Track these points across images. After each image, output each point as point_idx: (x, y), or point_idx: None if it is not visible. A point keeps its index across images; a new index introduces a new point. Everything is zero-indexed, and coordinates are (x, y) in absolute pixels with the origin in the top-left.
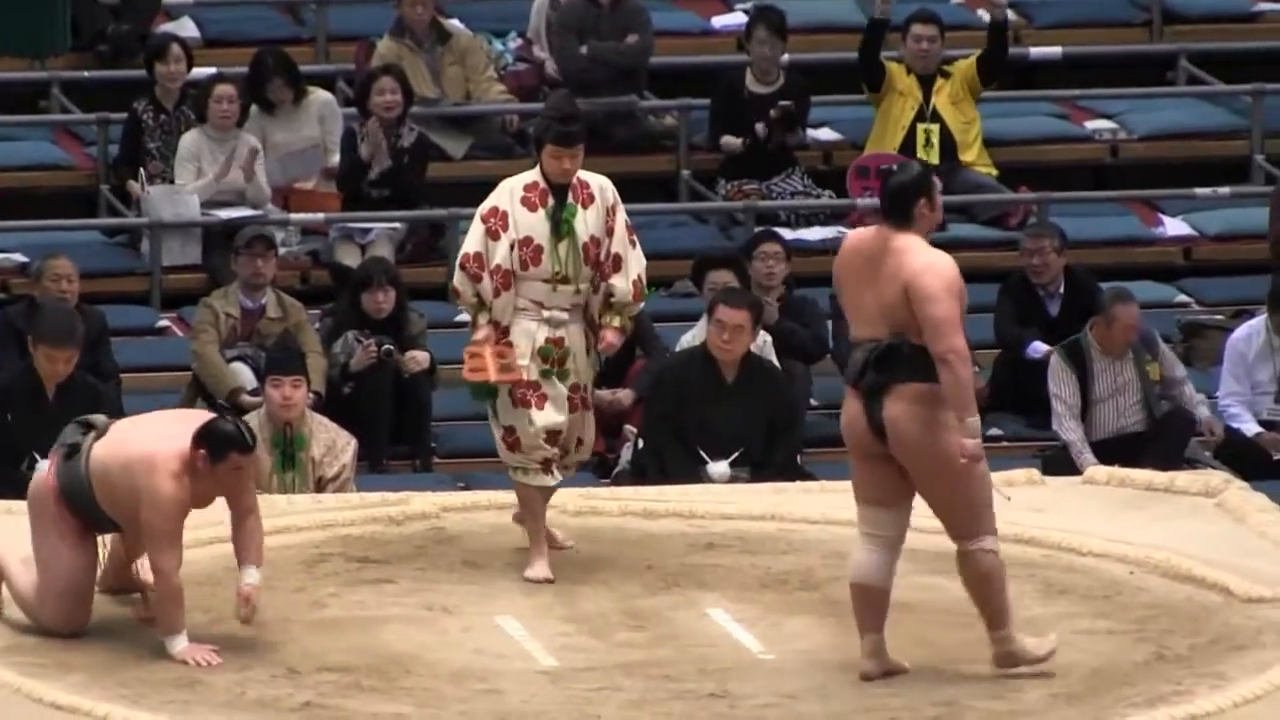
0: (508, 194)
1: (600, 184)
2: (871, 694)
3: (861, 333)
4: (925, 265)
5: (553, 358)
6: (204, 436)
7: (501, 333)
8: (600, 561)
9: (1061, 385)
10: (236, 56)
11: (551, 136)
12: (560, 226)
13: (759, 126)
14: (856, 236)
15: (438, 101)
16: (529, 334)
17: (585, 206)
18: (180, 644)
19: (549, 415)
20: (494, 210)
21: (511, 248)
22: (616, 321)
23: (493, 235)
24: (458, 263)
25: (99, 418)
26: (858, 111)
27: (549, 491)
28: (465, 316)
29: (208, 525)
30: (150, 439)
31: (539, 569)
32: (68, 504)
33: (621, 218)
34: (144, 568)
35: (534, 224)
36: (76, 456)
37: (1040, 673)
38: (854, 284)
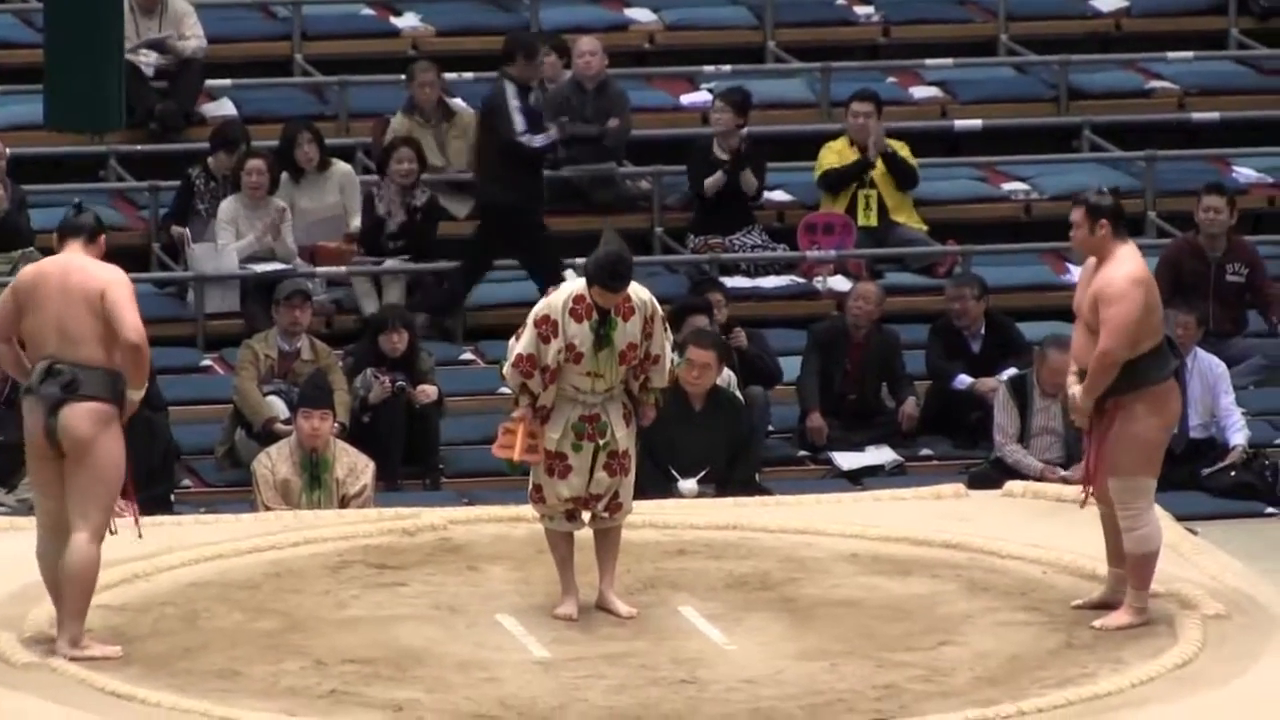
0: (559, 304)
1: (642, 299)
2: (820, 679)
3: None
4: None
5: (587, 432)
6: (78, 231)
7: (544, 417)
8: (586, 566)
9: (1004, 415)
10: (269, 132)
11: (600, 284)
12: (602, 340)
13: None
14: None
15: (444, 169)
16: (565, 411)
17: (626, 319)
18: (138, 395)
19: (570, 485)
20: (546, 319)
21: (558, 351)
22: (652, 399)
23: (544, 339)
24: (509, 361)
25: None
26: (807, 177)
27: (572, 537)
28: (469, 355)
29: (247, 537)
30: None
31: (565, 607)
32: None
33: (659, 322)
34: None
35: (579, 333)
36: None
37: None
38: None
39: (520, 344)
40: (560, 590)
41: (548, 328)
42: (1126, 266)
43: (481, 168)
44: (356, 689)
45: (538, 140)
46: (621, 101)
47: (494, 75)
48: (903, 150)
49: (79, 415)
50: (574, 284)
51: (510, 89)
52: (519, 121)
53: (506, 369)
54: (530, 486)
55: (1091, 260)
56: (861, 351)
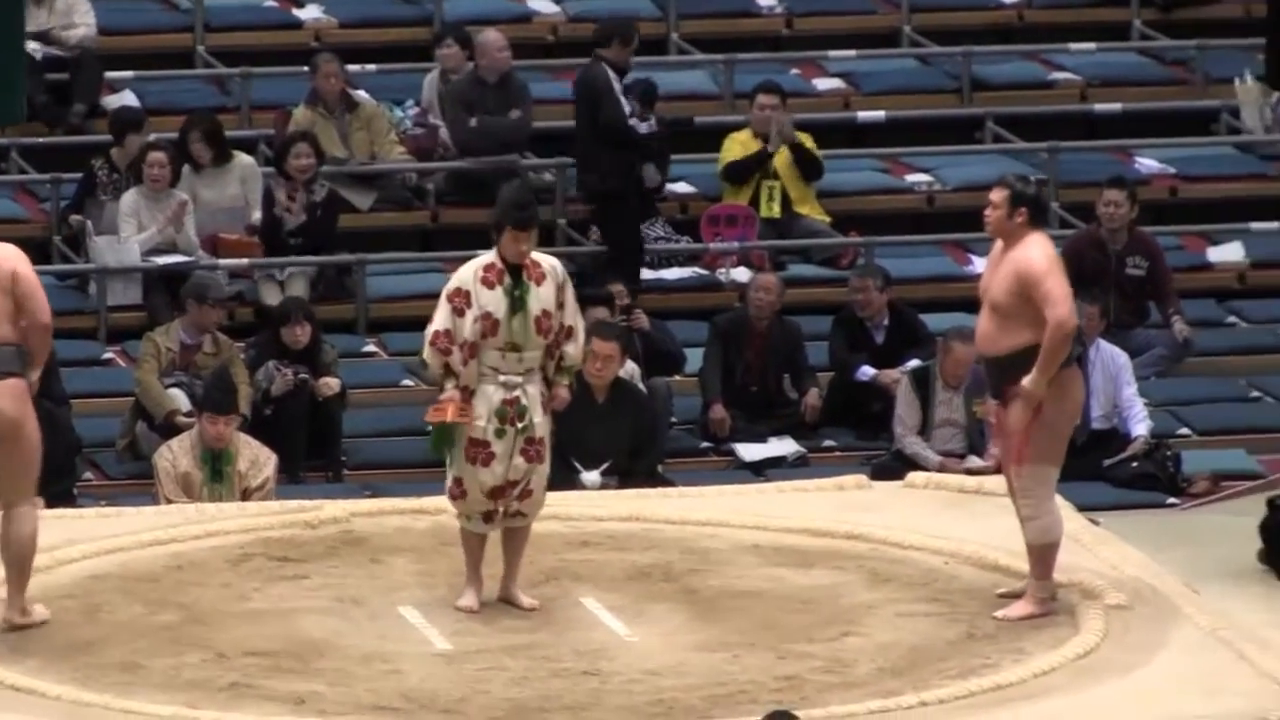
0: (470, 275)
1: (551, 264)
2: (723, 670)
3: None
4: None
5: (509, 416)
6: None
7: (466, 397)
8: (488, 558)
9: (905, 406)
10: (172, 124)
11: (510, 222)
12: (516, 303)
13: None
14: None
15: (346, 161)
16: (487, 397)
17: (538, 284)
18: (36, 374)
19: (493, 473)
20: (458, 290)
21: (474, 321)
22: (566, 380)
23: (458, 312)
24: (427, 340)
25: None
26: (711, 168)
27: (485, 538)
28: (372, 348)
29: (148, 530)
30: None
31: (467, 599)
32: None
33: (571, 293)
34: None
35: (492, 300)
36: None
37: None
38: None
39: (435, 321)
40: (465, 583)
41: (460, 299)
42: (1039, 249)
43: (579, 155)
44: (258, 681)
45: (643, 127)
46: (524, 94)
47: (398, 67)
48: (807, 142)
49: (4, 395)
50: (483, 256)
51: (610, 74)
52: (627, 106)
53: (426, 352)
54: (449, 480)
55: (999, 244)
56: (763, 343)
